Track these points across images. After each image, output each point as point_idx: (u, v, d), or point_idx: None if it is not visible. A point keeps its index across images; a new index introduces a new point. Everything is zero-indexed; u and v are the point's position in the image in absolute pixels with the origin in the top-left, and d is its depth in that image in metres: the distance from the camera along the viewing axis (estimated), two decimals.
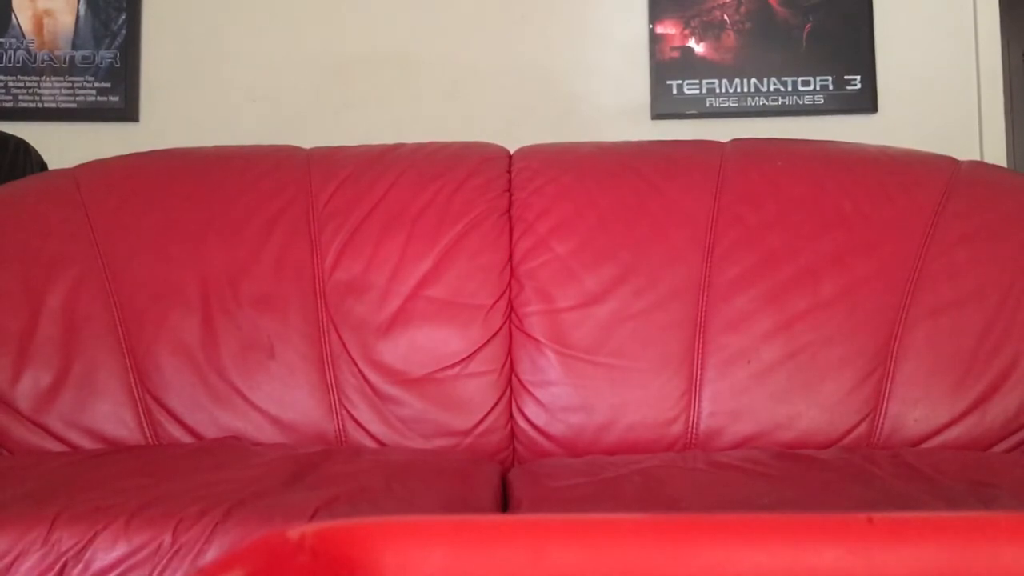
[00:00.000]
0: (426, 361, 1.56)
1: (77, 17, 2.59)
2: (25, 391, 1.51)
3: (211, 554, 1.01)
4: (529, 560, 0.49)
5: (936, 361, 1.51)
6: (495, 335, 1.58)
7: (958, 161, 1.73)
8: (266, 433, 1.51)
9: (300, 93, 2.57)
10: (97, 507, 1.05)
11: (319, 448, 1.44)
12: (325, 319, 1.58)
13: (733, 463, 1.34)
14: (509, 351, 1.58)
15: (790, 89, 2.54)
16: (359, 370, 1.55)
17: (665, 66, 2.56)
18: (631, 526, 0.51)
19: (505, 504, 1.28)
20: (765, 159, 1.72)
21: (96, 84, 2.57)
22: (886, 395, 1.50)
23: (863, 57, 2.53)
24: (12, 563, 1.00)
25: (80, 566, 1.01)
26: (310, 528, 0.49)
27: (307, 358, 1.55)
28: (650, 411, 1.52)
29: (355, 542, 0.49)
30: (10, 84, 2.57)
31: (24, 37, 2.59)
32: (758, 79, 2.55)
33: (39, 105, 2.57)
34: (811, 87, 2.54)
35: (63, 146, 2.33)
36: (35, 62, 2.58)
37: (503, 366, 1.57)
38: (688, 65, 2.56)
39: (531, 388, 1.55)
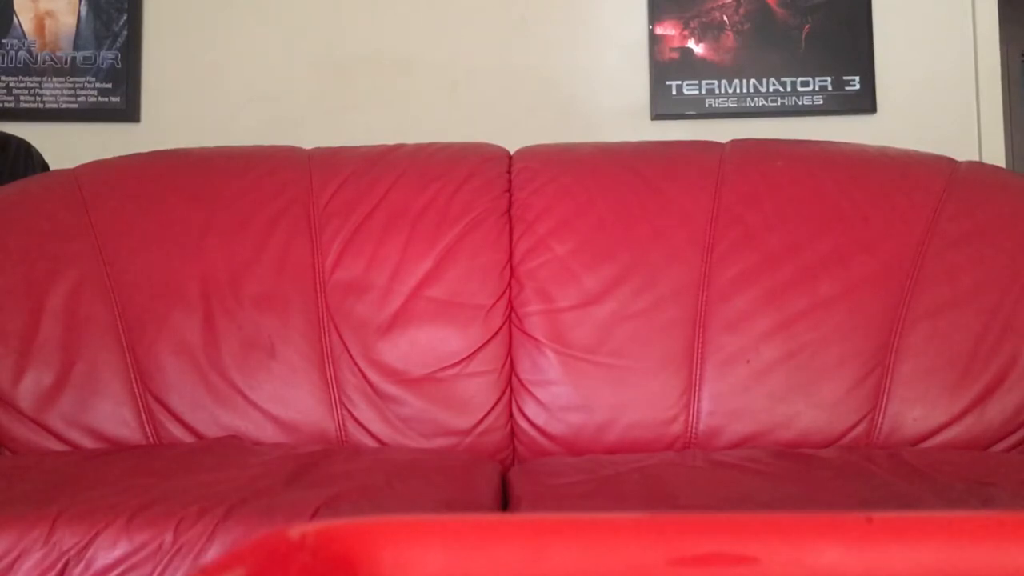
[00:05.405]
0: (426, 361, 1.56)
1: (78, 18, 2.59)
2: (27, 391, 1.52)
3: (212, 553, 1.02)
4: (529, 560, 0.49)
5: (935, 361, 1.51)
6: (495, 335, 1.58)
7: (956, 162, 1.73)
8: (267, 432, 1.52)
9: (300, 93, 2.57)
10: (98, 506, 1.06)
11: (320, 447, 1.45)
12: (326, 319, 1.58)
13: (732, 462, 1.35)
14: (509, 351, 1.58)
15: (789, 90, 2.54)
16: (360, 369, 1.55)
17: (665, 67, 2.56)
18: (631, 525, 0.51)
19: (505, 503, 1.29)
20: (765, 159, 1.72)
21: (97, 85, 2.58)
22: (885, 394, 1.50)
23: (862, 58, 2.54)
24: (13, 562, 1.01)
25: (81, 565, 1.01)
26: (311, 527, 0.49)
27: (308, 357, 1.56)
28: (650, 410, 1.52)
29: (355, 541, 0.49)
30: (12, 85, 2.57)
31: (26, 38, 2.59)
32: (757, 80, 2.55)
33: (41, 106, 2.58)
34: (810, 88, 2.54)
35: (65, 147, 2.33)
36: (36, 63, 2.58)
37: (503, 366, 1.57)
38: (687, 66, 2.56)
39: (531, 388, 1.55)
